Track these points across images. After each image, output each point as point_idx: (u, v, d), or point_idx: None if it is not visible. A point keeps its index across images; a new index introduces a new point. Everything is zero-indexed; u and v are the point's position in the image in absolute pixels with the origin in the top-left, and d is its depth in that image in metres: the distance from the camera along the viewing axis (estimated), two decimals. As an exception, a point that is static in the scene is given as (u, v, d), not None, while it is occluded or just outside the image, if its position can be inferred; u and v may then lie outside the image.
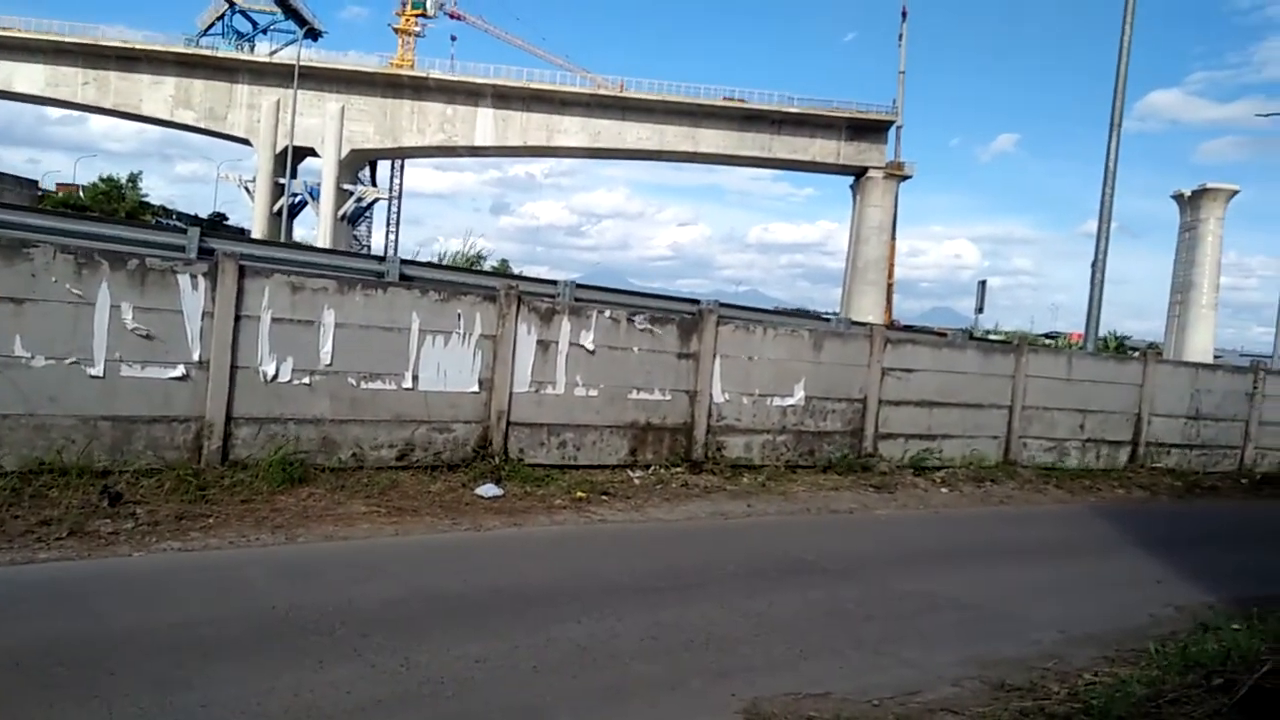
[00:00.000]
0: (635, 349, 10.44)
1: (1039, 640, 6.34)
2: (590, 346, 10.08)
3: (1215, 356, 52.43)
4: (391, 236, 75.30)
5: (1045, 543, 9.73)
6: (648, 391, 10.60)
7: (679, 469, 10.76)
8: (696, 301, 12.37)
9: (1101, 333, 28.03)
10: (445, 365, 9.24)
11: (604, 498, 9.43)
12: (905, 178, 65.96)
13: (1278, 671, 4.62)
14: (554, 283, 12.12)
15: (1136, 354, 14.59)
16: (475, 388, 9.44)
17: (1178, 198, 60.41)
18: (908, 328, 18.21)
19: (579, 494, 9.31)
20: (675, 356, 10.82)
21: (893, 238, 65.93)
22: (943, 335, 16.35)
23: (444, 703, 4.41)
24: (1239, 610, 6.90)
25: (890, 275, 66.43)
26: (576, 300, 11.38)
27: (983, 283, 23.15)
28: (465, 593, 6.18)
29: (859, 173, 66.38)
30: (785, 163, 69.46)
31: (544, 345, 9.81)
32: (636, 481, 10.23)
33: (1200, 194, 58.66)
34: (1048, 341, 55.99)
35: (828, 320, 13.79)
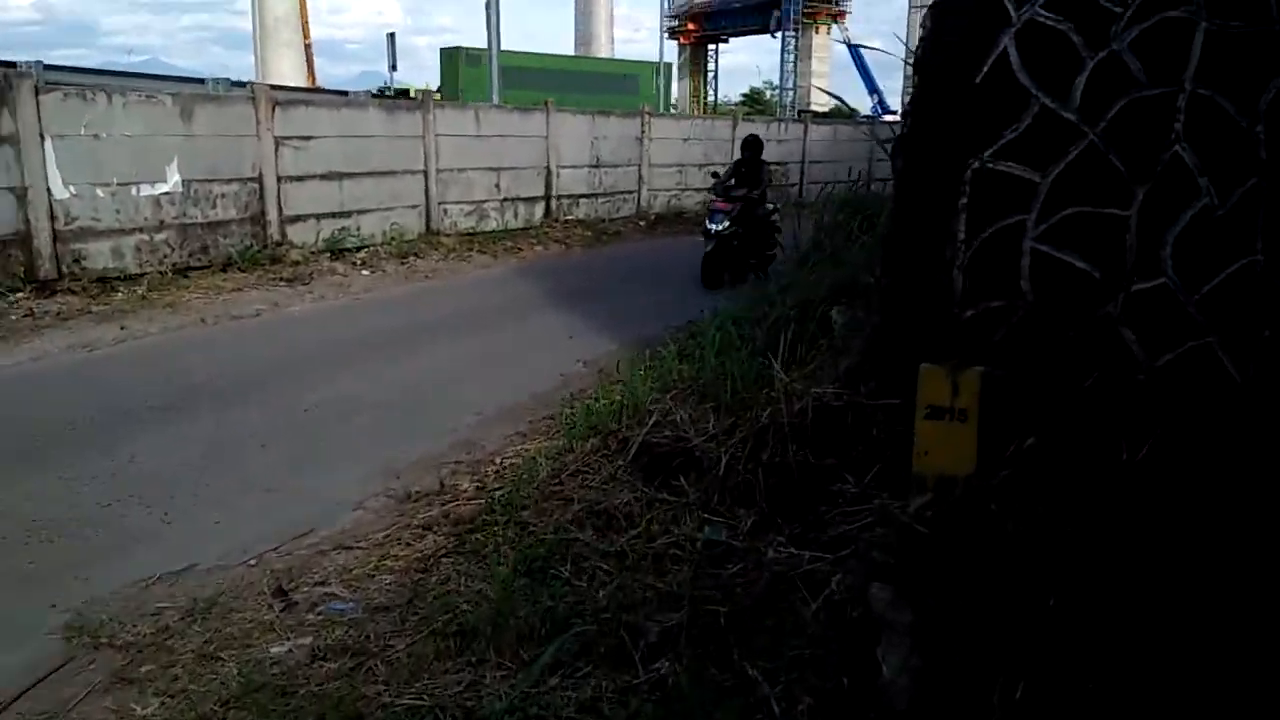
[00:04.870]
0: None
1: (455, 428, 5.91)
2: None
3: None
4: None
5: (468, 314, 9.41)
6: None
7: (21, 294, 8.34)
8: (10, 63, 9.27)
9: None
10: None
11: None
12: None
13: (661, 424, 4.56)
14: None
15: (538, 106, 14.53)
16: None
17: (573, -47, 63.10)
18: (339, 94, 16.25)
19: None
20: (-22, 142, 8.01)
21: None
22: (344, 94, 14.82)
23: None
24: (639, 353, 7.18)
25: (306, 34, 60.69)
26: None
27: (391, 35, 21.72)
28: None
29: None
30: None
31: None
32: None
33: (591, -51, 61.80)
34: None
35: (204, 84, 11.40)
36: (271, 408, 6.13)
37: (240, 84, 11.29)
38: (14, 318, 7.94)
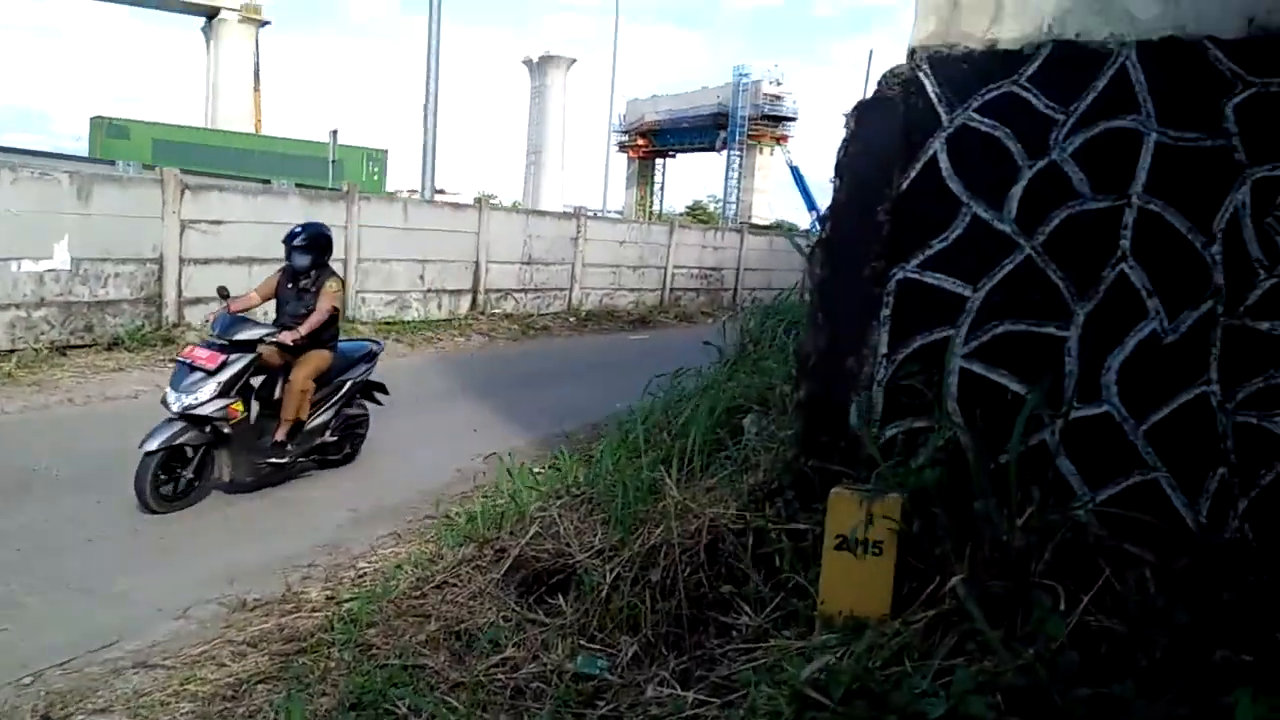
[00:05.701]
0: None
1: (321, 527, 5.28)
2: None
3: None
4: None
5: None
6: None
7: None
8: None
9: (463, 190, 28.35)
10: None
11: None
12: (264, 22, 60.03)
13: (543, 535, 4.00)
14: None
15: (471, 203, 14.31)
16: None
17: (527, 63, 64.88)
18: (263, 181, 15.81)
19: None
20: None
21: (256, 88, 60.17)
22: (267, 183, 14.40)
23: None
24: (542, 452, 6.63)
25: (259, 130, 60.86)
26: None
27: (334, 133, 21.49)
28: None
29: (211, 14, 58.55)
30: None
31: None
32: None
33: (545, 60, 63.59)
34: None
35: (113, 165, 10.85)
36: (114, 499, 5.38)
37: (149, 168, 10.77)
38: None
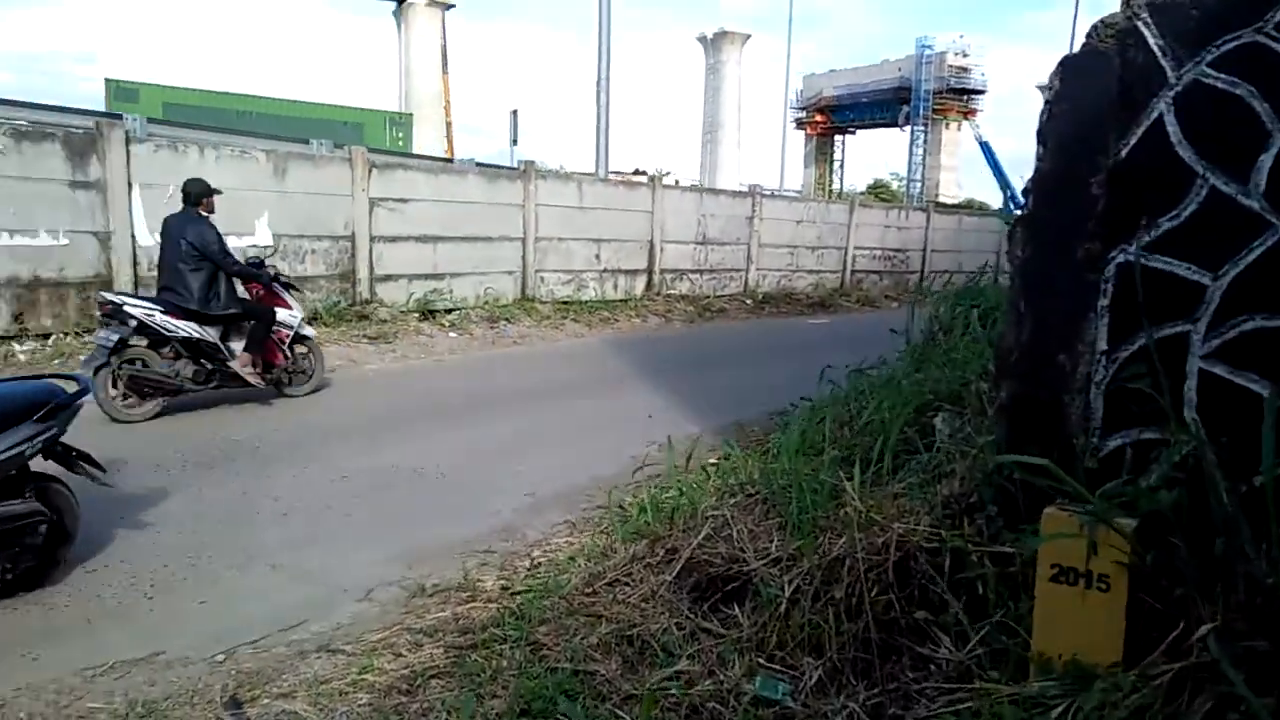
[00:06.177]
0: (-14, 175, 7.53)
1: (500, 510, 5.28)
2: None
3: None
4: None
5: (546, 383, 8.88)
6: (28, 235, 7.80)
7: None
8: (115, 115, 9.39)
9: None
10: None
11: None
12: (449, 5, 62.42)
13: (715, 537, 3.80)
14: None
15: (645, 181, 14.25)
16: None
17: (701, 40, 64.32)
18: (444, 160, 16.45)
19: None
20: (69, 186, 8.07)
21: (444, 71, 62.74)
22: (449, 162, 14.84)
23: None
24: (716, 441, 6.45)
25: (448, 112, 63.42)
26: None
27: (514, 112, 21.98)
28: None
29: (400, -1, 61.46)
30: (322, -16, 61.98)
31: None
32: (23, 358, 7.56)
33: (720, 37, 62.76)
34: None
35: (308, 145, 11.47)
36: (308, 472, 5.64)
37: (340, 147, 11.28)
38: (82, 358, 7.82)
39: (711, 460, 5.56)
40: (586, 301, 13.45)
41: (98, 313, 6.69)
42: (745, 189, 17.29)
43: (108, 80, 27.34)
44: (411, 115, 36.01)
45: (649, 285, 14.62)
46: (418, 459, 6.03)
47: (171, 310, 6.53)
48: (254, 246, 9.50)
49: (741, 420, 6.38)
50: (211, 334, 6.74)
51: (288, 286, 7.56)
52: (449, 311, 11.37)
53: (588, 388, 8.77)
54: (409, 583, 4.21)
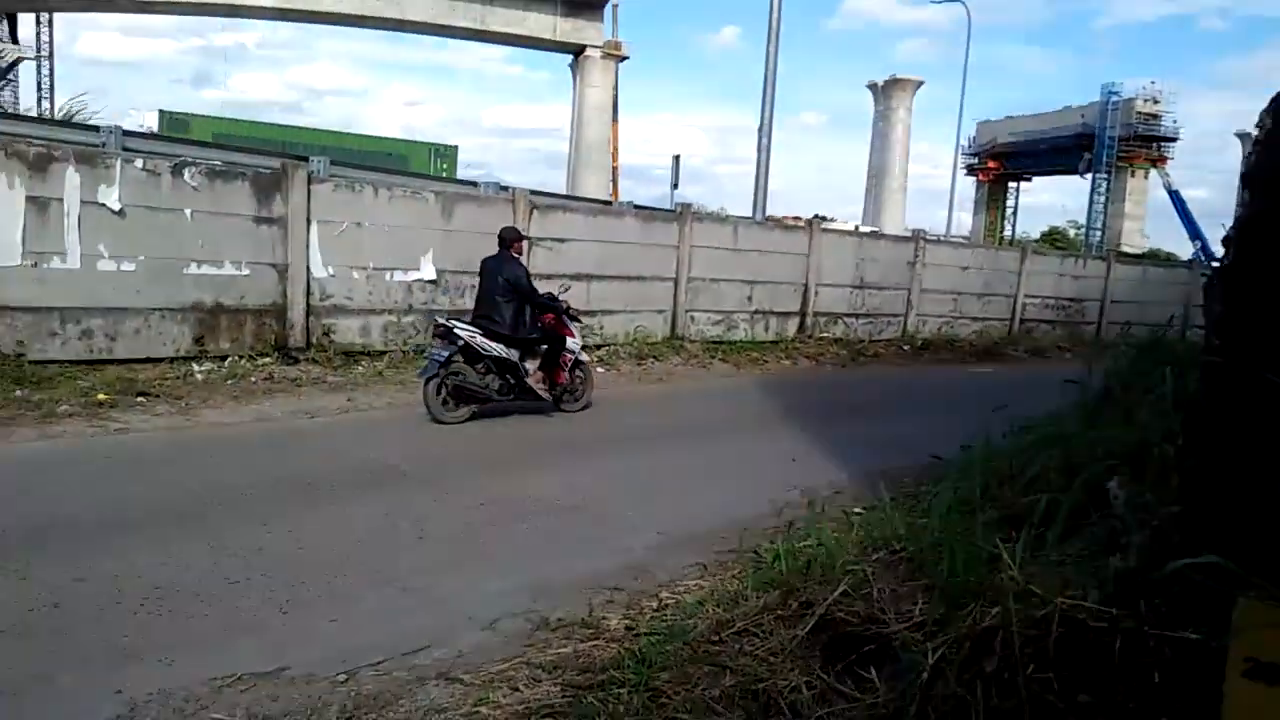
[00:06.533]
0: (188, 211, 8.14)
1: (632, 547, 5.16)
2: (115, 206, 7.66)
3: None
4: (46, 101, 63.43)
5: (689, 421, 8.76)
6: (215, 265, 8.39)
7: (268, 359, 8.73)
8: (301, 158, 10.04)
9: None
10: None
11: (141, 399, 7.27)
12: (623, 58, 64.21)
13: (853, 595, 3.54)
14: (96, 128, 9.32)
15: (802, 225, 14.03)
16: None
17: (872, 87, 63.51)
18: (604, 203, 16.76)
19: (100, 396, 7.06)
20: (253, 221, 8.66)
21: (614, 119, 64.55)
22: (607, 204, 15.09)
23: None
24: (861, 491, 6.12)
25: (614, 158, 65.13)
26: (126, 150, 8.71)
27: (676, 157, 22.25)
28: None
29: (577, 51, 63.88)
30: (501, 36, 64.61)
31: (39, 203, 7.28)
32: (200, 377, 8.09)
33: (891, 84, 61.82)
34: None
35: (476, 187, 11.90)
36: (448, 498, 5.71)
37: (505, 188, 11.65)
38: (253, 380, 8.30)
39: (856, 510, 5.26)
40: (736, 342, 13.29)
41: (430, 333, 8.30)
42: (909, 233, 16.75)
43: (161, 111, 29.75)
44: (456, 147, 37.93)
45: (801, 327, 14.33)
46: (554, 490, 6.02)
47: (487, 333, 7.73)
48: (419, 281, 9.92)
49: (889, 469, 6.01)
50: (514, 355, 7.89)
51: (573, 319, 8.57)
52: (599, 347, 11.47)
53: (731, 427, 8.58)
54: (534, 615, 4.15)
